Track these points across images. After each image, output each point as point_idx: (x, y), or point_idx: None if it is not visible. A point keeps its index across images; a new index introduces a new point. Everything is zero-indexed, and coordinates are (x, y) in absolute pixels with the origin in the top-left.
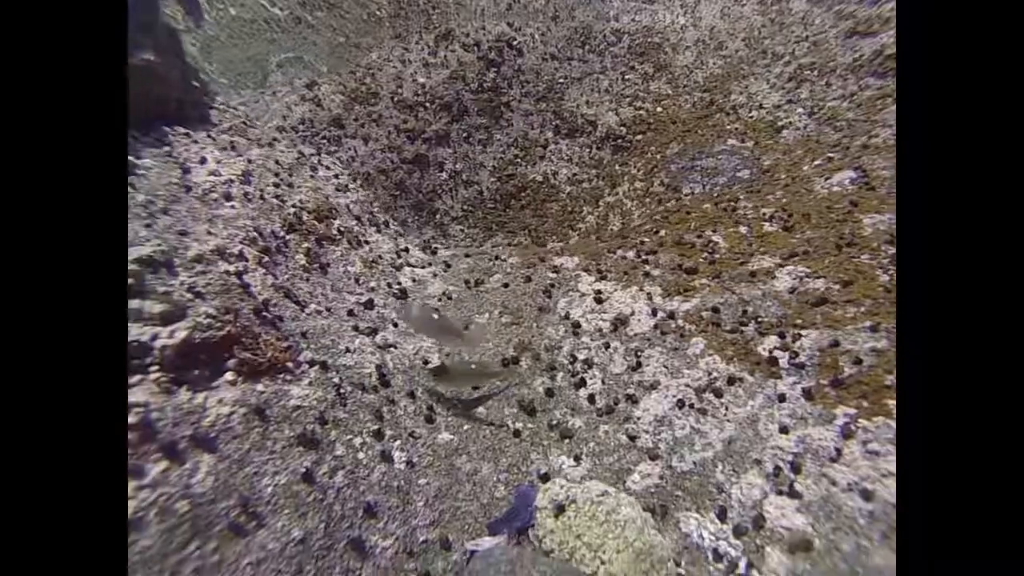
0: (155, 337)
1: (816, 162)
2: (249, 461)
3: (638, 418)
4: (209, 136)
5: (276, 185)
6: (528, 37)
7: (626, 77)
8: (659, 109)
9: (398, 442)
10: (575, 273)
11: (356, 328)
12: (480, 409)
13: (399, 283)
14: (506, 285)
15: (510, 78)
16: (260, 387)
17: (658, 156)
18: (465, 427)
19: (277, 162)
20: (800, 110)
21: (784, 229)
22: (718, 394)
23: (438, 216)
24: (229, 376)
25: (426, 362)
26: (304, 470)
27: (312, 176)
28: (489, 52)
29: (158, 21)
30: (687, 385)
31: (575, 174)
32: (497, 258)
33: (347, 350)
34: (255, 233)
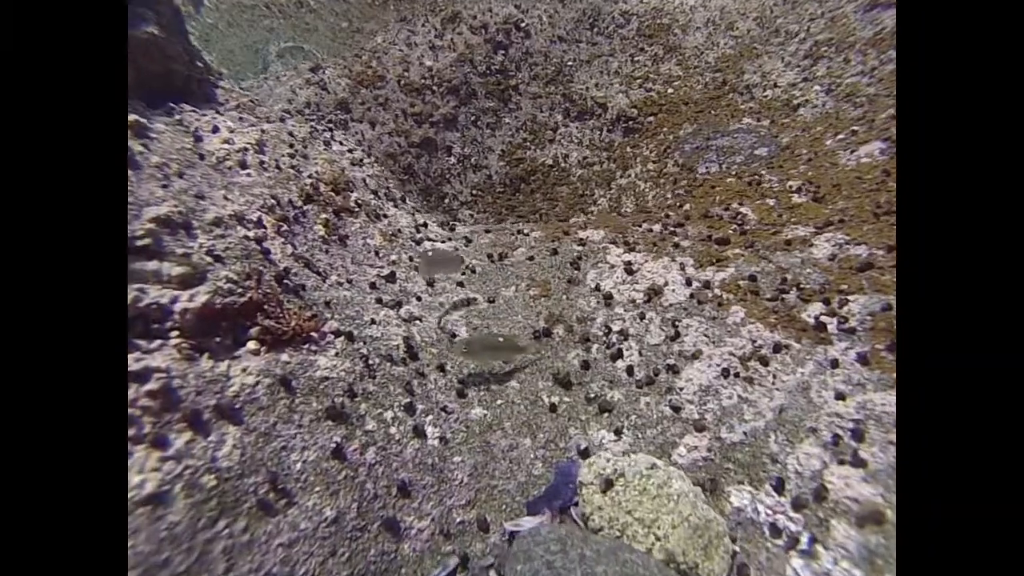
0: (175, 300)
1: (839, 136)
2: (276, 435)
3: (681, 389)
4: (217, 113)
5: (291, 156)
6: (536, 19)
7: (636, 59)
8: (670, 90)
9: (430, 417)
10: (602, 246)
11: (379, 300)
12: (512, 383)
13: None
14: (531, 258)
15: (518, 61)
16: (285, 357)
17: (671, 137)
18: (498, 402)
19: (291, 134)
20: (817, 87)
21: (815, 200)
22: (764, 362)
23: (447, 200)
24: (252, 344)
25: (453, 335)
26: (334, 445)
27: (326, 149)
28: (496, 34)
29: None
30: (731, 354)
31: (586, 157)
32: (520, 232)
33: (372, 321)
34: (273, 201)
